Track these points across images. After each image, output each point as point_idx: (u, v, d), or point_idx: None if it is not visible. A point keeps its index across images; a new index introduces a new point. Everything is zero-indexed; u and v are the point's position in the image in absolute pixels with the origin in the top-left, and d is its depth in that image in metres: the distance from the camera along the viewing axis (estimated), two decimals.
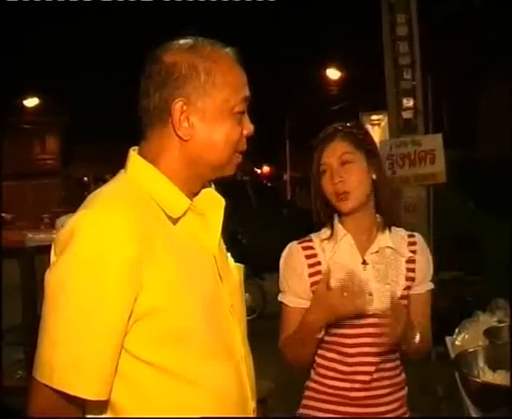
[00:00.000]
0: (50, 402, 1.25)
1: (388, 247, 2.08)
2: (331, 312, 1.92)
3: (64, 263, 1.25)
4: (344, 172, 2.02)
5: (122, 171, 1.42)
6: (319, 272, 2.06)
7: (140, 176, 1.37)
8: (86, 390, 1.24)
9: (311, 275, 2.07)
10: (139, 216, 1.29)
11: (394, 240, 2.09)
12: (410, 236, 2.15)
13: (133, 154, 1.41)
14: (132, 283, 1.25)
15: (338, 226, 2.08)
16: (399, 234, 2.13)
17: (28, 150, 36.78)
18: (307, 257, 2.08)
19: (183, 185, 1.39)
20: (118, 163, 1.54)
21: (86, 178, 35.18)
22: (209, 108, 1.36)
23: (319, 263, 2.07)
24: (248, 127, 1.44)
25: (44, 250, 3.13)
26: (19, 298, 3.08)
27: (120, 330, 1.26)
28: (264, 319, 7.35)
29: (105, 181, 1.46)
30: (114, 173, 1.46)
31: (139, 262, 1.25)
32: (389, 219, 2.10)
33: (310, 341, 2.01)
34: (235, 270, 1.54)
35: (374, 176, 2.06)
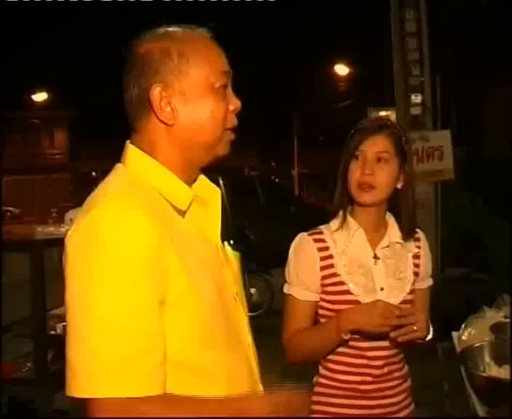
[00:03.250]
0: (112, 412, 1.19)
1: (397, 242, 2.08)
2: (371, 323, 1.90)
3: (85, 266, 1.20)
4: (377, 168, 2.00)
5: (120, 165, 1.38)
6: (331, 265, 2.04)
7: (141, 170, 1.36)
8: (140, 388, 1.19)
9: (323, 268, 2.04)
10: (152, 210, 1.27)
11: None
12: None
13: (130, 146, 1.38)
14: (158, 276, 1.22)
15: (350, 219, 2.07)
16: None
17: (37, 145, 36.90)
18: (320, 249, 2.05)
19: (181, 174, 1.38)
20: None
21: (94, 173, 35.21)
22: (188, 88, 1.35)
23: (331, 256, 2.05)
24: (234, 102, 1.41)
25: (54, 243, 3.18)
26: (28, 290, 3.09)
27: (157, 321, 1.23)
28: (271, 315, 7.34)
29: None
30: None
31: (161, 254, 1.23)
32: (410, 228, 2.09)
33: (336, 341, 1.99)
34: (233, 258, 1.54)
35: (400, 184, 2.05)
